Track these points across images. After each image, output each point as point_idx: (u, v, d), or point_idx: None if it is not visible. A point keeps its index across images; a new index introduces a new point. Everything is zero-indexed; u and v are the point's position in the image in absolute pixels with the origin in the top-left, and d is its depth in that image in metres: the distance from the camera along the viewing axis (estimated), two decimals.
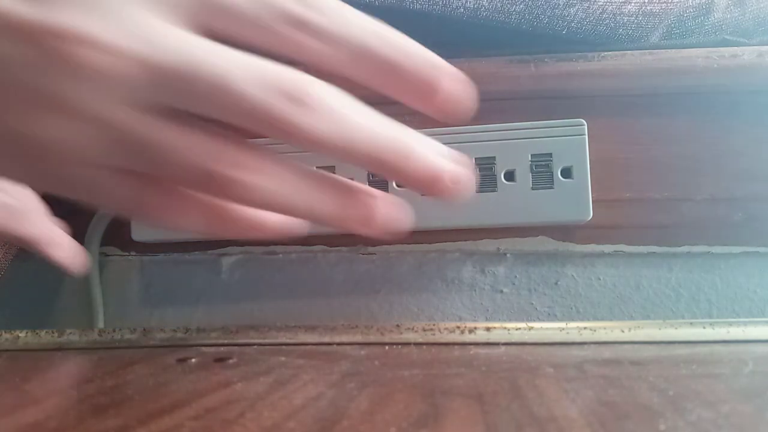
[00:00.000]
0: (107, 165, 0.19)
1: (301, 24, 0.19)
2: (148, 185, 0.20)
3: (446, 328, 0.35)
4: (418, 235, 0.41)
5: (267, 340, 0.35)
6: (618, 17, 0.37)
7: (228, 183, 0.19)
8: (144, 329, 0.37)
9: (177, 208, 0.21)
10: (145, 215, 0.21)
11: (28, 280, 0.45)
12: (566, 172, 0.36)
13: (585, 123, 0.37)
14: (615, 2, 0.37)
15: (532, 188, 0.37)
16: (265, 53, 0.19)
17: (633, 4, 0.37)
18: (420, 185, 0.20)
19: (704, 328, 0.34)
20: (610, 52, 0.38)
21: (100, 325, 0.44)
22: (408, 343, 0.34)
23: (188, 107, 0.19)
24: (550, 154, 0.37)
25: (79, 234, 0.41)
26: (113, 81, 0.18)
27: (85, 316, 0.44)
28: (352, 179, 0.23)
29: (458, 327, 0.35)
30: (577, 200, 0.37)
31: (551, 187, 0.36)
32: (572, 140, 0.36)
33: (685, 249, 0.40)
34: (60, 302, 0.45)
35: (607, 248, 0.38)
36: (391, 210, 0.22)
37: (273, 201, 0.20)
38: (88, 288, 0.44)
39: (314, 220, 0.22)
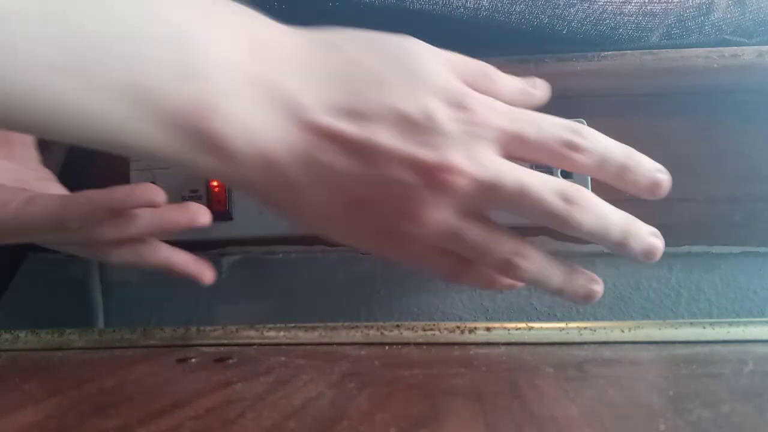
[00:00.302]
0: (440, 247, 0.28)
1: (573, 146, 0.28)
2: (461, 261, 0.29)
3: (446, 328, 0.35)
4: None
5: (267, 340, 0.35)
6: (618, 17, 0.37)
7: (515, 267, 0.28)
8: (144, 329, 0.37)
9: (473, 275, 0.30)
10: (454, 280, 0.31)
11: (28, 280, 0.45)
12: (566, 172, 0.36)
13: (585, 122, 0.37)
14: (615, 2, 0.37)
15: None
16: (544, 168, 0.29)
17: (633, 4, 0.37)
18: (638, 257, 0.29)
19: (704, 328, 0.34)
20: (610, 52, 0.38)
21: (100, 325, 0.44)
22: (408, 343, 0.34)
23: (499, 209, 0.27)
24: None
25: None
26: (462, 196, 0.26)
27: (85, 316, 0.44)
28: None
29: (458, 327, 0.35)
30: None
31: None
32: None
33: (685, 249, 0.40)
34: (60, 302, 0.45)
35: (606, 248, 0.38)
36: (598, 287, 0.31)
37: (533, 278, 0.29)
38: (88, 288, 0.44)
39: (548, 289, 0.30)
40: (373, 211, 0.27)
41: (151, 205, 0.33)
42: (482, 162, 0.26)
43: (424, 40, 0.33)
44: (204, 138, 0.23)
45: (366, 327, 0.35)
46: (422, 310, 0.42)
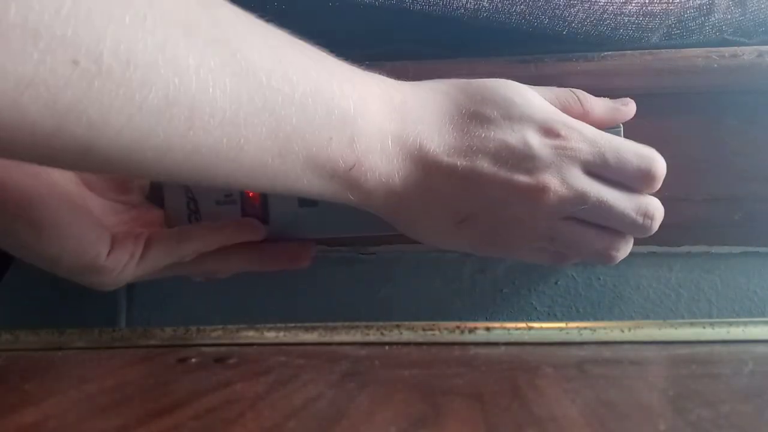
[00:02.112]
0: (539, 245, 0.34)
1: (650, 177, 0.33)
2: (557, 253, 0.35)
3: (446, 328, 0.35)
4: None
5: (267, 340, 0.35)
6: (619, 17, 0.37)
7: (607, 260, 0.35)
8: (144, 329, 0.37)
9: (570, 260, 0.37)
10: (558, 265, 0.40)
11: (28, 280, 0.45)
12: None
13: (621, 127, 0.36)
14: (616, 3, 0.37)
15: None
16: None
17: (633, 4, 0.37)
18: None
19: (704, 328, 0.34)
20: (610, 52, 0.38)
21: (122, 325, 0.44)
22: (408, 343, 0.34)
23: (586, 217, 0.33)
24: None
25: None
26: (549, 208, 0.32)
27: (107, 316, 0.44)
28: None
29: (458, 327, 0.35)
30: None
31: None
32: None
33: (685, 249, 0.40)
34: (60, 302, 0.45)
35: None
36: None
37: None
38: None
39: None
40: (478, 223, 0.33)
41: (254, 240, 0.38)
42: (569, 181, 0.32)
43: (424, 41, 0.33)
44: (353, 184, 0.30)
45: (366, 327, 0.35)
46: (422, 310, 0.42)
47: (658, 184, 0.33)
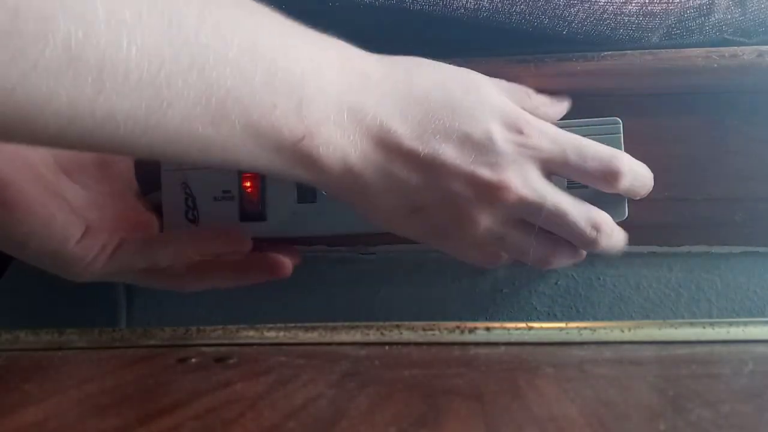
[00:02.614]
0: (489, 245, 0.34)
1: (611, 174, 0.33)
2: (499, 254, 0.36)
3: (446, 328, 0.35)
4: None
5: (267, 340, 0.35)
6: (619, 17, 0.37)
7: (548, 265, 0.36)
8: (144, 329, 0.37)
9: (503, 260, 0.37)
10: (493, 267, 0.38)
11: (28, 280, 0.45)
12: None
13: (620, 122, 0.36)
14: (616, 2, 0.37)
15: (568, 187, 0.36)
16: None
17: (634, 4, 0.37)
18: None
19: (704, 328, 0.34)
20: (610, 52, 0.38)
21: (122, 325, 0.44)
22: (408, 343, 0.34)
23: (535, 222, 0.32)
24: None
25: None
26: (509, 208, 0.31)
27: (107, 316, 0.44)
28: None
29: (458, 327, 0.35)
30: (614, 200, 0.36)
31: (585, 186, 0.36)
32: (607, 138, 0.36)
33: (685, 249, 0.40)
34: (60, 302, 0.45)
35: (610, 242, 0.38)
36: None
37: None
38: (113, 288, 0.44)
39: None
40: (432, 215, 0.32)
41: (238, 252, 0.37)
42: (531, 183, 0.31)
43: (425, 41, 0.33)
44: (303, 157, 0.27)
45: (366, 327, 0.35)
46: (422, 310, 0.42)
47: (623, 181, 0.33)
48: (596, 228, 0.33)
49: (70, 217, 0.33)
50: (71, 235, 0.32)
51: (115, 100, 0.21)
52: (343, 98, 0.28)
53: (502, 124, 0.31)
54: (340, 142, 0.28)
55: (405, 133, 0.29)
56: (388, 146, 0.29)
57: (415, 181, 0.30)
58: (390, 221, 0.33)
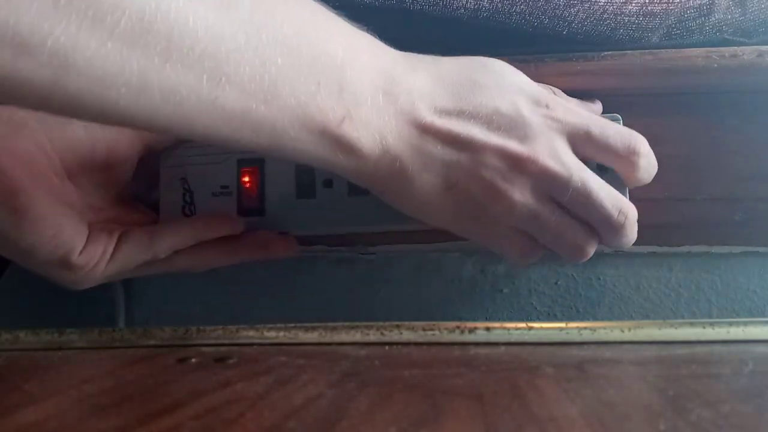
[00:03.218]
0: (518, 229, 0.33)
1: (633, 152, 0.33)
2: (534, 244, 0.34)
3: (446, 328, 0.35)
4: (418, 235, 0.41)
5: (267, 340, 0.35)
6: (619, 17, 0.37)
7: (583, 255, 0.34)
8: (144, 329, 0.37)
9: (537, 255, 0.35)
10: (526, 260, 0.35)
11: (28, 280, 0.45)
12: (602, 167, 0.35)
13: (620, 117, 0.36)
14: (616, 2, 0.37)
15: None
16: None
17: (634, 4, 0.37)
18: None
19: (704, 328, 0.34)
20: (610, 52, 0.38)
21: (121, 325, 0.44)
22: (408, 343, 0.34)
23: (563, 202, 0.32)
24: None
25: None
26: (535, 180, 0.32)
27: (106, 315, 0.44)
28: None
29: (458, 327, 0.35)
30: (617, 190, 0.36)
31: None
32: None
33: (685, 249, 0.40)
34: (60, 302, 0.45)
35: (607, 248, 0.38)
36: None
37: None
38: (110, 287, 0.44)
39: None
40: (466, 194, 0.32)
41: (231, 234, 0.37)
42: (559, 155, 0.32)
43: (424, 41, 0.33)
44: (344, 142, 0.28)
45: (366, 327, 0.35)
46: (422, 310, 0.42)
47: (642, 160, 0.33)
48: (624, 214, 0.33)
49: (78, 226, 0.33)
50: (76, 246, 0.33)
51: (180, 71, 0.22)
52: (377, 82, 0.29)
53: (528, 98, 0.32)
54: (376, 124, 0.29)
55: (437, 113, 0.31)
56: (422, 126, 0.30)
57: (449, 156, 0.31)
58: (426, 204, 0.33)
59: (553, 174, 0.32)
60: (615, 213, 0.33)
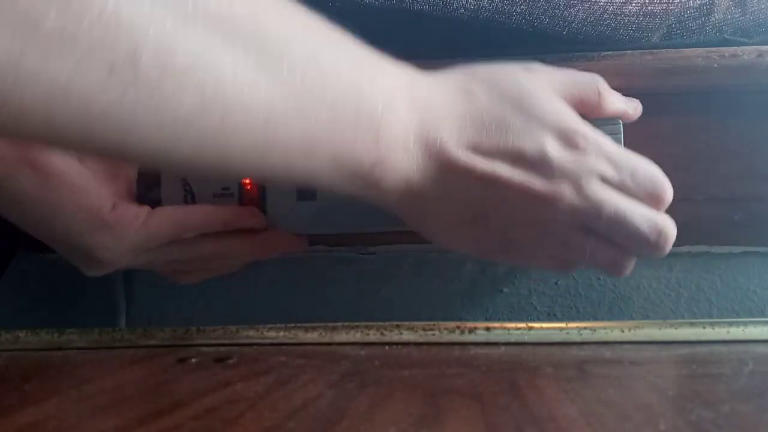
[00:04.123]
0: (550, 251, 0.33)
1: (657, 200, 0.32)
2: (568, 262, 0.34)
3: (446, 328, 0.35)
4: (418, 235, 0.41)
5: (267, 340, 0.35)
6: (619, 18, 0.37)
7: (615, 272, 0.34)
8: (144, 329, 0.37)
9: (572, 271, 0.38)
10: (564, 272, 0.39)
11: (28, 280, 0.45)
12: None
13: (621, 122, 0.36)
14: (616, 3, 0.37)
15: None
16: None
17: (634, 4, 0.37)
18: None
19: (704, 328, 0.34)
20: (610, 52, 0.38)
21: (122, 325, 0.44)
22: (408, 343, 0.34)
23: (599, 230, 0.32)
24: None
25: None
26: (563, 217, 0.31)
27: (107, 316, 0.44)
28: None
29: (458, 327, 0.35)
30: None
31: None
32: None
33: (685, 249, 0.40)
34: (60, 302, 0.45)
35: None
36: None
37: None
38: (111, 289, 0.44)
39: None
40: (491, 228, 0.32)
41: (254, 227, 0.37)
42: (585, 192, 0.31)
43: (424, 41, 0.33)
44: (369, 182, 0.29)
45: (366, 327, 0.35)
46: (422, 310, 0.42)
47: (663, 207, 0.33)
48: (662, 234, 0.32)
49: (102, 188, 0.33)
50: (105, 203, 0.32)
51: (232, 138, 0.23)
52: (410, 126, 0.30)
53: (557, 138, 0.32)
54: (405, 165, 0.30)
55: (463, 150, 0.31)
56: (446, 163, 0.31)
57: (472, 192, 0.31)
58: (448, 234, 0.34)
59: (583, 211, 0.31)
60: (653, 236, 0.32)
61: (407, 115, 0.30)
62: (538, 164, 0.31)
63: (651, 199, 0.32)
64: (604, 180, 0.32)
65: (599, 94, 0.34)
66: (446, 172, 0.31)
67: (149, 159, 0.23)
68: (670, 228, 0.32)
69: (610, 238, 0.32)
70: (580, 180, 0.31)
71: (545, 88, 0.33)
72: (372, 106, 0.28)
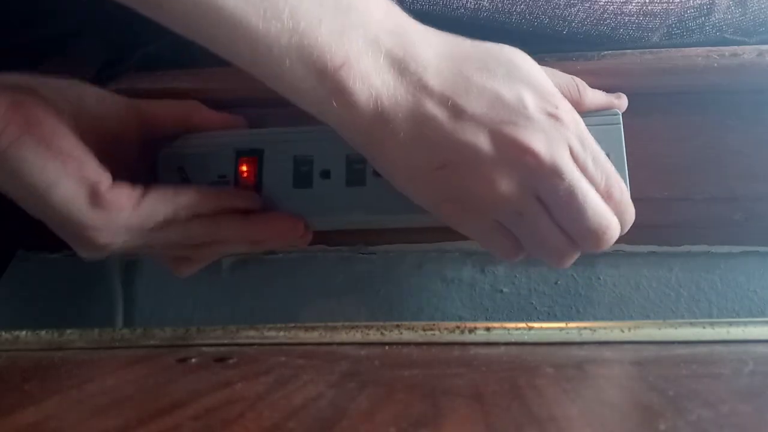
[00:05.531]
0: (503, 225, 0.33)
1: (607, 193, 0.32)
2: (517, 246, 0.34)
3: (446, 328, 0.35)
4: (418, 235, 0.41)
5: (267, 340, 0.35)
6: (619, 17, 0.37)
7: (563, 264, 0.34)
8: (144, 329, 0.37)
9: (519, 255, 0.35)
10: (505, 257, 0.36)
11: (28, 280, 0.45)
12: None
13: (620, 113, 0.36)
14: (616, 2, 0.37)
15: None
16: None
17: (634, 4, 0.37)
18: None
19: (704, 328, 0.34)
20: (610, 52, 0.38)
21: (120, 325, 0.44)
22: (408, 343, 0.34)
23: (549, 204, 0.31)
24: None
25: None
26: (527, 173, 0.30)
27: (104, 315, 0.44)
28: None
29: (458, 327, 0.35)
30: None
31: None
32: (607, 130, 0.35)
33: (685, 249, 0.40)
34: (60, 302, 0.45)
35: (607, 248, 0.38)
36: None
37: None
38: (109, 288, 0.44)
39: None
40: (453, 174, 0.31)
41: (249, 207, 0.37)
42: (554, 152, 0.30)
43: None
44: (339, 88, 0.28)
45: (366, 327, 0.35)
46: (422, 310, 0.42)
47: (612, 205, 0.33)
48: (607, 228, 0.32)
49: (101, 165, 0.32)
50: (102, 180, 0.32)
51: None
52: (382, 39, 0.29)
53: (537, 95, 0.31)
54: (374, 81, 0.29)
55: (437, 84, 0.30)
56: (420, 94, 0.30)
57: (442, 132, 0.30)
58: (413, 180, 0.33)
59: (546, 169, 0.30)
60: (599, 230, 0.32)
61: (379, 27, 0.29)
62: (515, 110, 0.30)
63: (605, 191, 0.32)
64: (572, 154, 0.31)
65: (579, 90, 0.35)
66: (419, 105, 0.30)
67: None
68: (615, 226, 0.32)
69: (560, 221, 0.32)
70: (551, 140, 0.30)
71: (535, 63, 0.33)
72: None
